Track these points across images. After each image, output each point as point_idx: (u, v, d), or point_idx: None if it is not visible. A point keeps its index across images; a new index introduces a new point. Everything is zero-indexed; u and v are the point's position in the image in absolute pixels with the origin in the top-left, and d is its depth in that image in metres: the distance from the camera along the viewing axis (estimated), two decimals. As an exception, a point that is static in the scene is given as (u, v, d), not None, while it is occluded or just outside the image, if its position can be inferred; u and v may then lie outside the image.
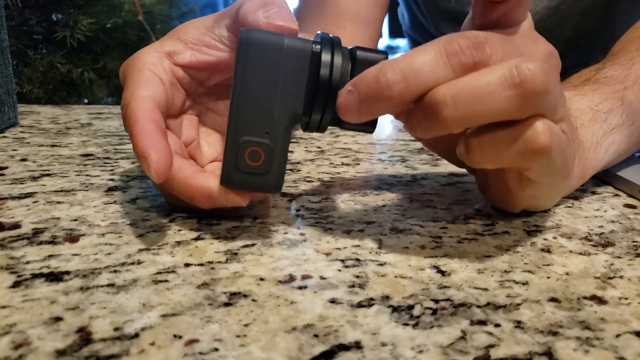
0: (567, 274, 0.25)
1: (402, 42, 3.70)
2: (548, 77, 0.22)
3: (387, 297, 0.22)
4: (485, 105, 0.22)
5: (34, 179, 0.36)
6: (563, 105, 0.25)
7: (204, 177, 0.27)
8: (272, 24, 0.26)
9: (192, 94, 0.32)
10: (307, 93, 0.26)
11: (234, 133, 0.25)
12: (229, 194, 0.26)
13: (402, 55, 0.23)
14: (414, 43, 0.81)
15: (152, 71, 0.29)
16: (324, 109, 0.26)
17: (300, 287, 0.23)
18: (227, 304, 0.21)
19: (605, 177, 0.39)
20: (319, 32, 0.27)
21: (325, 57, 0.25)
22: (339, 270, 0.25)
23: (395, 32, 0.67)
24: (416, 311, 0.21)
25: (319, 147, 0.49)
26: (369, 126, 0.27)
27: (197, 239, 0.27)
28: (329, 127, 0.25)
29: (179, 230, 0.28)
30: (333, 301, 0.22)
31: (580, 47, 0.37)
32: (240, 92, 0.25)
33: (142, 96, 0.27)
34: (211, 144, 0.33)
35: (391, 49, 3.76)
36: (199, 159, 0.33)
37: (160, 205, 0.32)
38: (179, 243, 0.27)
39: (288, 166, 0.42)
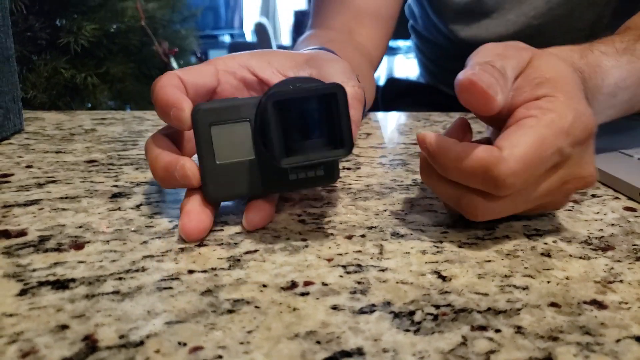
0: (567, 278, 0.25)
1: (402, 44, 3.69)
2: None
3: (388, 303, 0.23)
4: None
5: (40, 185, 0.37)
6: None
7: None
8: None
9: None
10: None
11: None
12: None
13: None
14: (422, 40, 0.80)
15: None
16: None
17: (303, 294, 0.23)
18: (230, 311, 0.22)
19: (605, 180, 0.39)
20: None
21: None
22: (341, 277, 0.25)
23: (394, 34, 0.67)
24: (417, 317, 0.22)
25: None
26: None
27: (200, 245, 0.28)
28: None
29: (183, 237, 0.29)
30: (335, 307, 0.22)
31: (591, 38, 0.38)
32: None
33: None
34: None
35: (391, 50, 3.75)
36: None
37: (164, 212, 0.32)
38: (182, 250, 0.27)
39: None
